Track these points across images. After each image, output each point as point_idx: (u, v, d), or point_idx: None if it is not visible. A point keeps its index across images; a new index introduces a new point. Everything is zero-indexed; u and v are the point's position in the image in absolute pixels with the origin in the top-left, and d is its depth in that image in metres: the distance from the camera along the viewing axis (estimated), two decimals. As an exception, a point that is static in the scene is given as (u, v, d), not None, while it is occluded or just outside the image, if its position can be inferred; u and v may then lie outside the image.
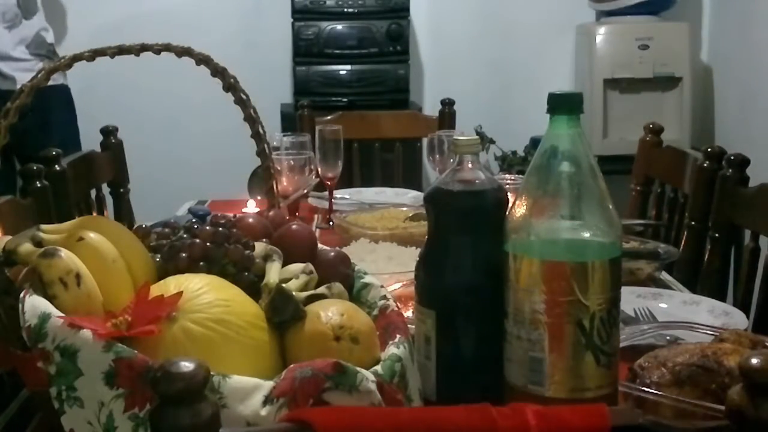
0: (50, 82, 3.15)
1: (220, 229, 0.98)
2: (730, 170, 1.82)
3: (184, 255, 0.95)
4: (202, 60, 1.12)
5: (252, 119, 1.17)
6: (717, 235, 1.83)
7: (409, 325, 0.98)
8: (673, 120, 3.48)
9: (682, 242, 1.97)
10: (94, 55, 1.11)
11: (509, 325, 0.93)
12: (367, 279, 1.05)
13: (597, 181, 0.92)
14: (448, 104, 2.89)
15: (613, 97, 3.61)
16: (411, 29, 3.73)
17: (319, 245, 1.06)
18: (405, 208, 1.99)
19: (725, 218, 1.79)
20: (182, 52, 1.11)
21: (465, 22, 3.93)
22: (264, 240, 1.03)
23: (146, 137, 3.61)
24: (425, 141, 2.41)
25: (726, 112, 3.68)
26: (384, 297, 1.01)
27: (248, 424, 0.79)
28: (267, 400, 0.80)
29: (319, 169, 2.09)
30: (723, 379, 0.94)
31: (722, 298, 1.73)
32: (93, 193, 2.29)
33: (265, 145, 1.19)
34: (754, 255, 1.75)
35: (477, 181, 1.00)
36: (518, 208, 0.93)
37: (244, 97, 1.16)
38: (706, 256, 1.86)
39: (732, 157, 1.83)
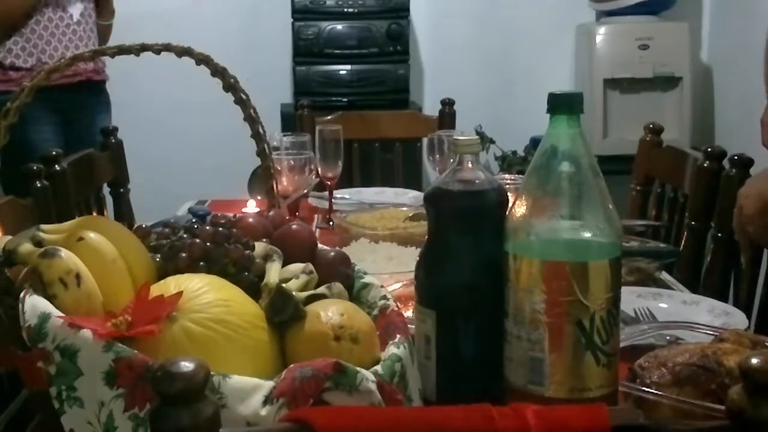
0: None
1: (220, 229, 0.98)
2: (734, 170, 1.82)
3: (184, 255, 0.95)
4: (202, 60, 1.12)
5: (252, 119, 1.17)
6: (720, 234, 1.82)
7: (409, 325, 0.98)
8: (673, 120, 3.49)
9: (683, 242, 1.97)
10: (94, 54, 1.11)
11: (509, 325, 0.93)
12: (367, 279, 1.05)
13: (597, 181, 0.92)
14: (448, 104, 2.89)
15: (613, 97, 3.61)
16: (411, 29, 3.73)
17: (319, 245, 1.06)
18: (405, 208, 1.98)
19: (729, 218, 1.79)
20: (182, 52, 1.11)
21: (465, 22, 3.93)
22: (264, 240, 1.03)
23: (146, 137, 3.61)
24: (425, 141, 2.40)
25: (726, 112, 3.68)
26: (384, 297, 1.01)
27: (248, 424, 0.79)
28: (267, 400, 0.80)
29: (319, 169, 2.09)
30: (723, 379, 0.94)
31: (725, 297, 1.73)
32: (93, 193, 2.29)
33: (265, 145, 1.19)
34: (757, 255, 1.75)
35: (477, 181, 1.00)
36: (518, 208, 0.93)
37: (244, 97, 1.16)
38: (709, 256, 1.86)
39: (736, 157, 1.83)
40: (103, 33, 3.05)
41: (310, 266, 0.99)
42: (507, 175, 2.06)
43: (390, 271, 1.46)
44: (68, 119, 2.88)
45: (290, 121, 3.30)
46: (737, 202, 1.61)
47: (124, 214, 2.42)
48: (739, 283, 1.78)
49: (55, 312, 0.84)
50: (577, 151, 0.92)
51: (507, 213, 0.95)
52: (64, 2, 2.83)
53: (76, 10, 2.86)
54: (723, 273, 1.82)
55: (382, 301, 1.01)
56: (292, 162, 1.99)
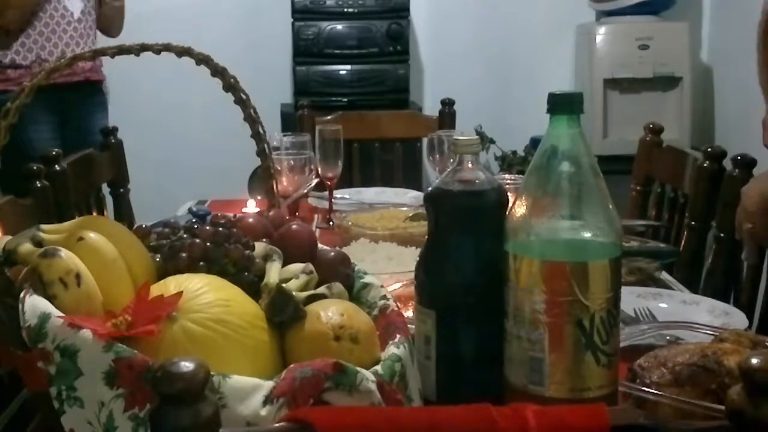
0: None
1: (220, 229, 0.98)
2: (737, 170, 1.82)
3: (184, 255, 0.95)
4: (202, 60, 1.12)
5: (252, 119, 1.17)
6: (721, 234, 1.82)
7: (409, 325, 0.98)
8: (673, 120, 3.49)
9: (682, 242, 1.97)
10: (94, 55, 1.11)
11: (509, 325, 0.93)
12: (367, 279, 1.05)
13: (597, 181, 0.92)
14: (448, 104, 2.89)
15: (613, 97, 3.61)
16: (411, 29, 3.73)
17: (319, 245, 1.06)
18: (405, 208, 1.98)
19: (730, 218, 1.79)
20: (182, 52, 1.11)
21: (465, 21, 3.93)
22: (264, 240, 1.03)
23: (146, 138, 3.61)
24: (425, 141, 2.41)
25: (726, 112, 3.68)
26: (384, 297, 1.01)
27: (248, 424, 0.79)
28: (267, 400, 0.80)
29: (319, 169, 2.09)
30: (723, 379, 0.94)
31: (725, 298, 1.73)
32: (93, 193, 2.29)
33: (265, 145, 1.19)
34: (758, 255, 1.74)
35: (477, 181, 1.00)
36: (518, 208, 0.93)
37: (244, 97, 1.16)
38: (711, 257, 1.86)
39: (739, 158, 1.83)
40: (113, 16, 3.03)
41: (310, 266, 0.99)
42: (507, 175, 2.06)
43: (390, 271, 1.46)
44: (65, 119, 2.88)
45: (290, 121, 3.30)
46: (741, 201, 1.61)
47: (124, 214, 2.42)
48: (740, 283, 1.78)
49: (55, 312, 0.84)
50: (577, 151, 0.92)
51: (507, 213, 0.95)
52: None
53: (76, 7, 2.85)
54: (724, 273, 1.82)
55: (382, 301, 1.00)
56: (292, 162, 1.99)
